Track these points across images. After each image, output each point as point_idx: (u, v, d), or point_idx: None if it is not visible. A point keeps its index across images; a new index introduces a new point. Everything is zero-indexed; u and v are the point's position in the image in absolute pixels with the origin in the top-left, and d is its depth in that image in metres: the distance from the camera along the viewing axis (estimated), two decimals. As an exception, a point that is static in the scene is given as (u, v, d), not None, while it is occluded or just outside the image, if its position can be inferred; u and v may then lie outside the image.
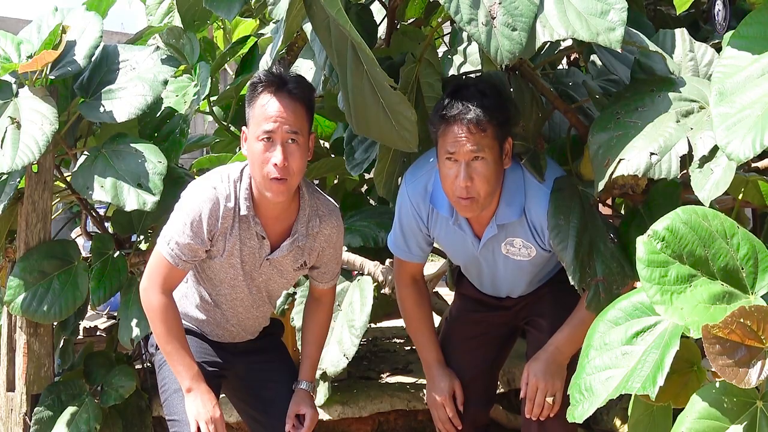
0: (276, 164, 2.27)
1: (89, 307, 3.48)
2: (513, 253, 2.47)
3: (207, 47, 4.23)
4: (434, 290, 4.29)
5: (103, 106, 3.20)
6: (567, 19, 2.12)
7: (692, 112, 2.22)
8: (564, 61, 3.54)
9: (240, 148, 2.38)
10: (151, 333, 2.48)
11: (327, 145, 4.41)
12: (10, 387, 3.39)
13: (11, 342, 3.43)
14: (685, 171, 2.13)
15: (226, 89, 4.11)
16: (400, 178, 2.82)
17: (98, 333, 4.53)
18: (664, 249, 1.65)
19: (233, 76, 4.45)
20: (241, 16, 4.07)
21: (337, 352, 3.22)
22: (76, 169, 3.21)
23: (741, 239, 1.66)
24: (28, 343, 3.29)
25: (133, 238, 3.51)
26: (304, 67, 3.17)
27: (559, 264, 2.57)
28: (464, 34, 2.80)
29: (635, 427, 1.84)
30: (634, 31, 2.38)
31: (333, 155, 4.15)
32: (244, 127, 2.36)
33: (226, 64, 4.43)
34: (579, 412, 1.74)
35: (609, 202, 2.92)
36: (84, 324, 4.35)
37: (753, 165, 2.28)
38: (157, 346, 2.48)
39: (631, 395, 1.80)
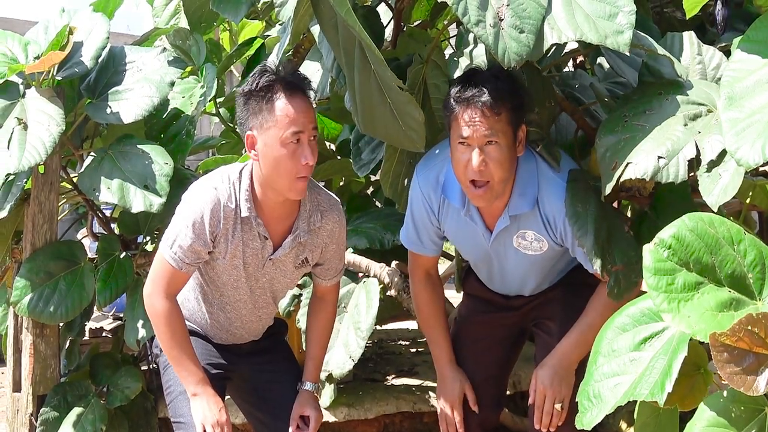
0: (308, 164, 2.27)
1: (95, 308, 3.48)
2: (524, 247, 2.46)
3: (213, 49, 4.23)
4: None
5: (110, 108, 3.20)
6: (575, 22, 2.11)
7: (700, 116, 2.21)
8: (570, 63, 3.53)
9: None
10: (157, 335, 2.48)
11: (333, 146, 4.41)
12: (17, 388, 3.39)
13: (17, 343, 3.44)
14: (692, 174, 2.12)
15: (233, 91, 4.12)
16: (406, 180, 2.82)
17: (104, 334, 4.53)
18: (671, 257, 1.64)
19: (239, 78, 4.46)
20: (248, 17, 4.07)
21: (343, 354, 3.22)
22: (82, 170, 3.21)
23: (748, 245, 1.65)
24: (34, 344, 3.29)
25: (140, 239, 3.51)
26: (311, 70, 3.18)
27: (569, 265, 2.57)
28: (470, 37, 2.79)
29: (642, 430, 1.83)
30: (642, 34, 2.37)
31: (339, 157, 4.15)
32: (250, 132, 2.30)
33: (232, 66, 4.44)
34: (588, 419, 1.73)
35: (615, 204, 2.91)
36: (90, 325, 4.35)
37: (761, 169, 2.27)
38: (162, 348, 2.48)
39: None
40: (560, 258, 2.53)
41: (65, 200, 3.64)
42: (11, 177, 3.10)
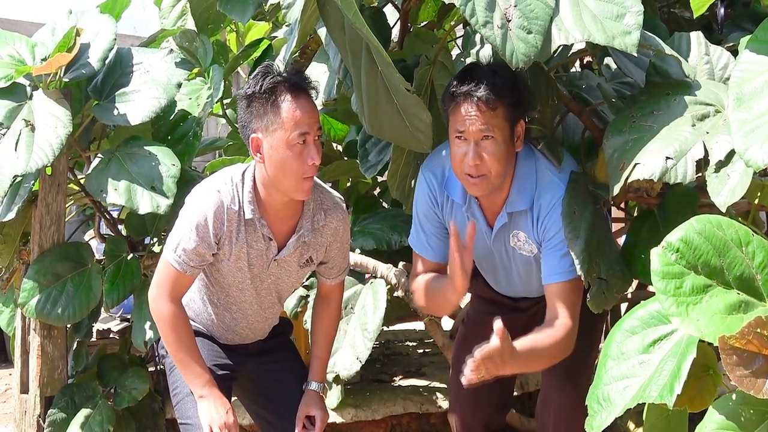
0: (314, 164, 2.27)
1: (102, 309, 3.49)
2: (519, 247, 2.45)
3: (220, 50, 4.24)
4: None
5: (117, 109, 3.20)
6: (582, 22, 2.11)
7: (708, 116, 2.20)
8: (576, 63, 3.53)
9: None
10: (164, 337, 2.48)
11: (340, 148, 4.41)
12: (24, 389, 3.40)
13: (25, 344, 3.44)
14: (699, 175, 2.11)
15: (239, 92, 4.11)
16: (413, 181, 2.82)
17: (111, 335, 4.54)
18: (679, 260, 1.63)
19: (246, 79, 4.45)
20: (254, 19, 4.07)
21: (350, 355, 3.22)
22: (89, 171, 3.22)
23: (756, 247, 1.65)
24: (41, 346, 3.30)
25: (147, 240, 3.51)
26: (318, 71, 3.18)
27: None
28: (477, 38, 2.79)
29: (650, 431, 1.83)
30: (650, 34, 2.36)
31: (346, 158, 4.15)
32: (254, 135, 2.29)
33: (239, 67, 4.44)
34: (597, 422, 1.73)
35: (622, 204, 2.91)
36: (97, 326, 4.36)
37: (769, 169, 2.26)
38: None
39: (645, 399, 1.79)
40: None
41: (72, 202, 3.64)
42: (19, 179, 3.10)
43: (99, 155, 3.29)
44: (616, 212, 3.19)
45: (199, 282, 2.53)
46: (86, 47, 3.22)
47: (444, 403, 3.65)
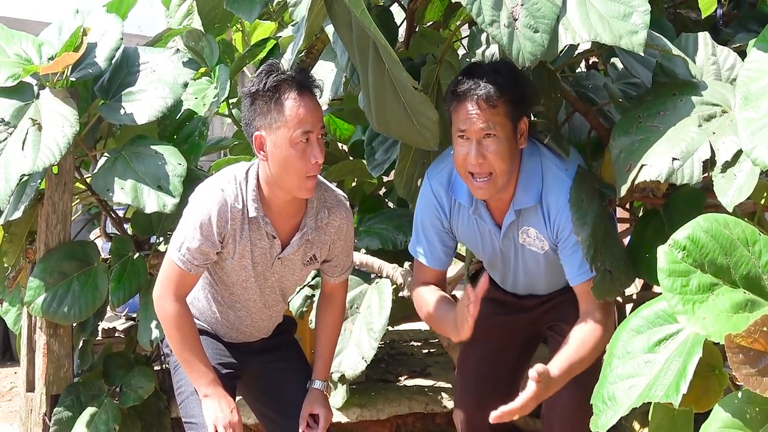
0: (317, 162, 2.27)
1: (108, 308, 3.49)
2: (529, 243, 2.44)
3: (226, 50, 4.24)
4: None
5: (124, 108, 3.21)
6: (589, 22, 2.10)
7: (714, 117, 2.20)
8: (582, 63, 3.52)
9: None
10: (170, 335, 2.48)
11: (346, 147, 4.41)
12: (30, 387, 3.41)
13: (31, 343, 3.45)
14: (706, 175, 2.11)
15: (243, 90, 4.11)
16: (420, 180, 2.82)
17: (117, 334, 4.55)
18: (686, 258, 1.63)
19: (251, 79, 4.46)
20: (260, 18, 4.08)
21: (355, 355, 3.22)
22: (96, 170, 3.22)
23: (763, 246, 1.64)
24: (47, 344, 3.31)
25: (153, 239, 3.52)
26: (325, 69, 3.17)
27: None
28: (483, 37, 2.79)
29: (656, 431, 1.82)
30: (657, 34, 2.36)
31: (351, 158, 4.15)
32: (258, 133, 2.29)
33: (245, 67, 4.44)
34: (602, 421, 1.72)
35: (627, 205, 2.90)
36: (103, 325, 4.37)
37: (776, 169, 2.26)
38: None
39: (651, 399, 1.78)
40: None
41: (79, 201, 3.65)
42: (25, 178, 3.11)
43: (105, 154, 3.29)
44: (620, 212, 3.19)
45: (203, 280, 2.53)
46: (93, 46, 3.22)
47: (449, 403, 3.66)
